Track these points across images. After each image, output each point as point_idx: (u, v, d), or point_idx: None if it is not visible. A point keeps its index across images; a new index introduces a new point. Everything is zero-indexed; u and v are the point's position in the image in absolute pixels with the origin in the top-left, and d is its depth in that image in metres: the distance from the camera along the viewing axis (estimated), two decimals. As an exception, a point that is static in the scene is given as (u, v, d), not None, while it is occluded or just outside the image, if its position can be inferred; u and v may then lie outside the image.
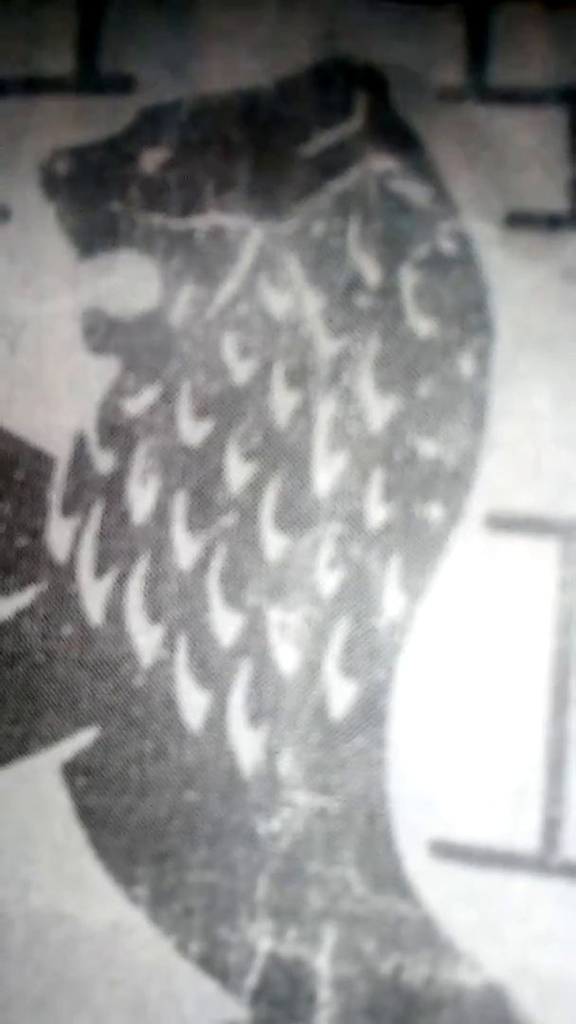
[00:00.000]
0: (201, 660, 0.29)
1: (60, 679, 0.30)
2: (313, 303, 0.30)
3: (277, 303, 0.30)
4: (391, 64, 0.30)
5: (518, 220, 0.29)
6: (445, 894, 0.28)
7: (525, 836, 0.27)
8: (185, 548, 0.29)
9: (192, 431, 0.30)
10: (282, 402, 0.30)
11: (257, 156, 0.30)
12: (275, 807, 0.28)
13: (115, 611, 0.30)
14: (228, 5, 0.31)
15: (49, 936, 0.29)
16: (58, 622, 0.30)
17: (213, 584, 0.29)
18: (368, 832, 0.28)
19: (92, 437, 0.30)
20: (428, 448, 0.29)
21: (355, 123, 0.30)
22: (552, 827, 0.27)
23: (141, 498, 0.30)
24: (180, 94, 0.31)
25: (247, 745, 0.29)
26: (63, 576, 0.30)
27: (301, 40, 0.31)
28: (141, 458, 0.30)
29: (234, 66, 0.31)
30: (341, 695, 0.29)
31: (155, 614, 0.29)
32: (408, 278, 0.29)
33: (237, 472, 0.30)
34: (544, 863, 0.27)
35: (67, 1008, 0.29)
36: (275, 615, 0.29)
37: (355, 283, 0.30)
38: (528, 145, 0.29)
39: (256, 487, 0.29)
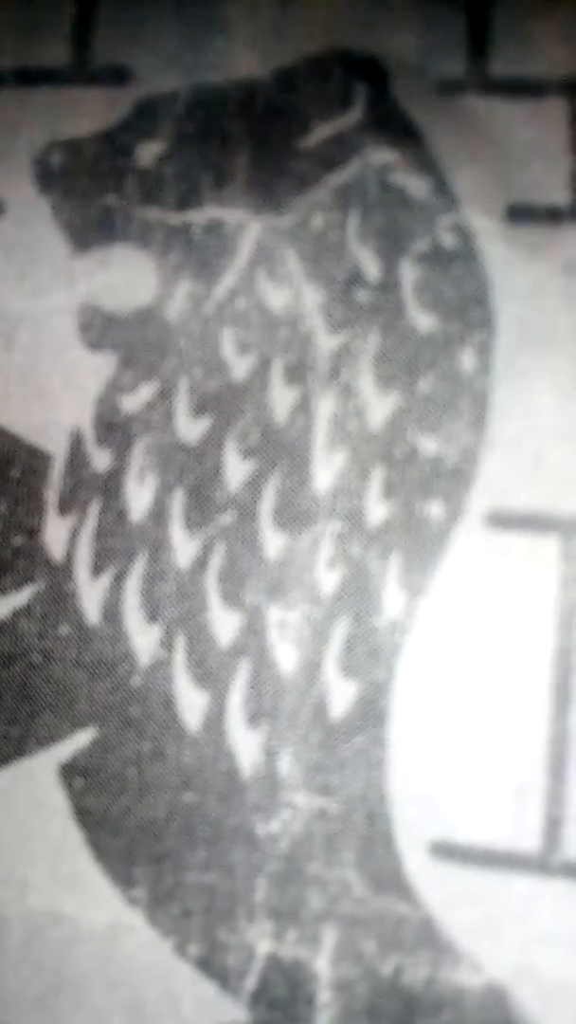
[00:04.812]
0: (199, 660, 0.29)
1: (57, 679, 0.30)
2: (312, 298, 0.29)
3: (276, 298, 0.30)
4: (391, 55, 0.30)
5: (519, 213, 0.29)
6: (446, 895, 0.28)
7: (526, 836, 0.27)
8: (183, 547, 0.29)
9: (190, 428, 0.30)
10: (281, 398, 0.29)
11: (255, 149, 0.30)
12: (274, 808, 0.28)
13: (112, 610, 0.29)
14: (225, -5, 0.31)
15: (47, 936, 0.29)
16: (55, 622, 0.30)
17: (211, 583, 0.29)
18: (368, 833, 0.28)
19: (89, 434, 0.30)
20: (428, 445, 0.29)
21: (354, 115, 0.30)
22: (553, 827, 0.27)
23: (138, 496, 0.30)
24: (176, 86, 0.31)
25: (246, 745, 0.29)
26: (60, 575, 0.30)
27: (300, 31, 0.30)
28: (138, 455, 0.30)
29: (231, 57, 0.30)
30: (341, 695, 0.28)
31: (153, 613, 0.29)
32: (408, 272, 0.29)
33: (236, 469, 0.29)
34: (545, 863, 0.27)
35: (65, 1009, 0.29)
36: (274, 614, 0.29)
37: (355, 277, 0.29)
38: (529, 138, 0.29)
39: (255, 485, 0.29)
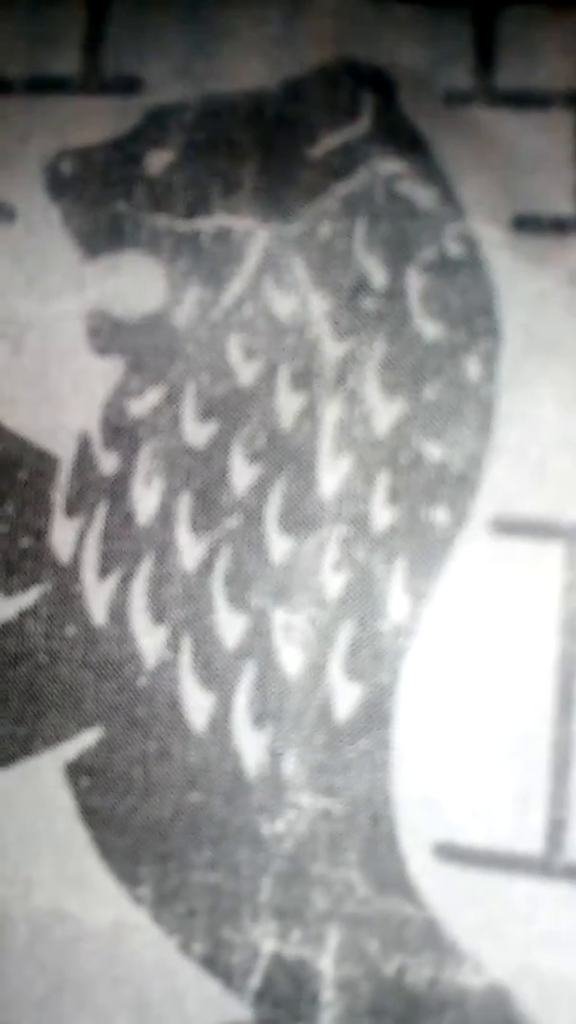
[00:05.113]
0: (205, 661, 0.29)
1: (64, 679, 0.30)
2: (319, 305, 0.30)
3: (283, 305, 0.30)
4: (398, 66, 0.30)
5: (525, 223, 0.29)
6: (449, 896, 0.28)
7: (529, 838, 0.28)
8: (189, 549, 0.29)
9: (197, 432, 0.30)
10: (287, 404, 0.30)
11: (263, 158, 0.30)
12: (279, 808, 0.28)
13: (119, 612, 0.30)
14: (235, 6, 0.31)
15: (51, 935, 0.29)
16: (62, 623, 0.30)
17: (217, 585, 0.29)
18: (372, 834, 0.28)
19: (96, 438, 0.30)
20: (434, 451, 0.29)
21: (362, 125, 0.30)
22: (556, 829, 0.27)
23: (145, 499, 0.30)
24: (186, 95, 0.31)
25: (251, 746, 0.29)
26: (67, 577, 0.30)
27: (308, 41, 0.30)
28: (145, 459, 0.30)
29: (241, 67, 0.31)
30: (345, 697, 0.29)
31: (159, 615, 0.29)
32: (415, 281, 0.29)
33: (242, 474, 0.30)
34: (548, 865, 0.27)
35: (69, 1008, 0.29)
36: (280, 617, 0.29)
37: (361, 285, 0.30)
38: (535, 148, 0.29)
39: (261, 489, 0.29)
